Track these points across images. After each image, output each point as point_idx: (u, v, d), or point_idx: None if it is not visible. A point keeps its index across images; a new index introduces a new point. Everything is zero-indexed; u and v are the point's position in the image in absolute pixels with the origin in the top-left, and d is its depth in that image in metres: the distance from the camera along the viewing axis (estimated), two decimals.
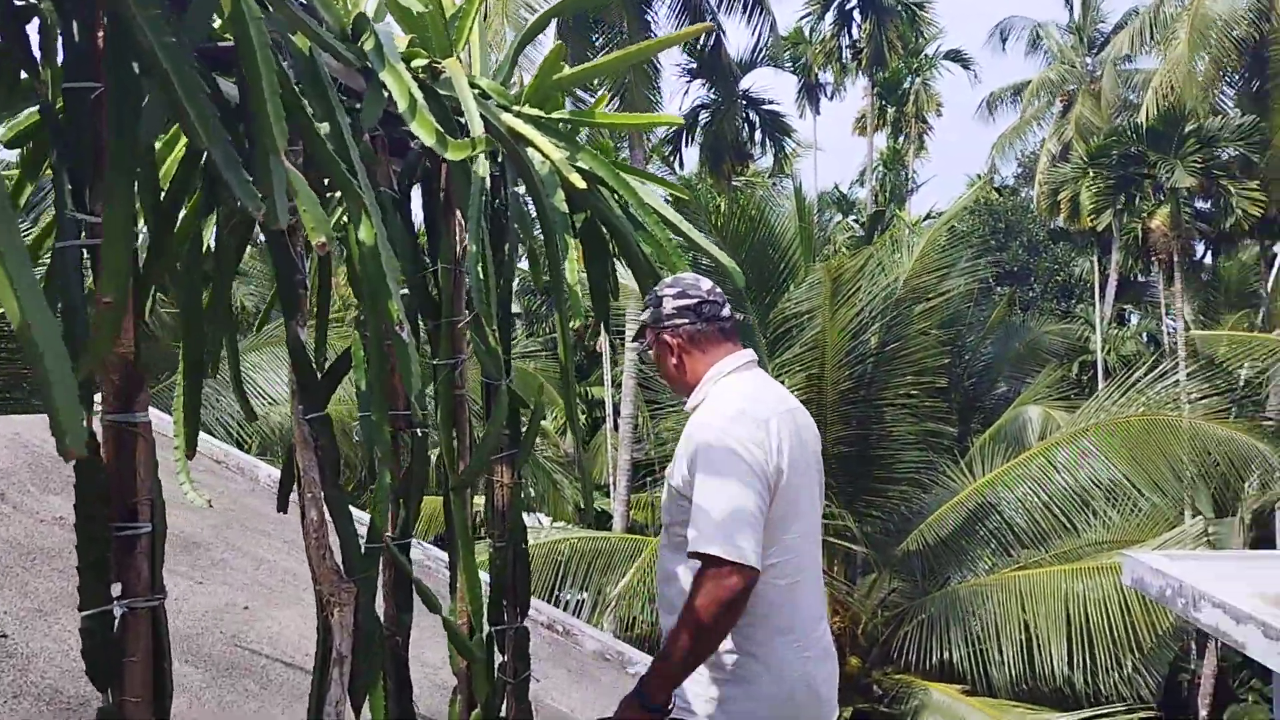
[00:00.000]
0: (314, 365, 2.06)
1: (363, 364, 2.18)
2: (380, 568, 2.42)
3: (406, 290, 2.41)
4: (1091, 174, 20.69)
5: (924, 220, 22.65)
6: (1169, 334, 23.67)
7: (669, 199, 3.28)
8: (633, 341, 2.89)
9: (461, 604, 2.83)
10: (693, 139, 19.66)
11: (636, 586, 11.06)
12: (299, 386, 2.05)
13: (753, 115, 20.36)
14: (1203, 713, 17.84)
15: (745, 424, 2.44)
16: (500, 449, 2.93)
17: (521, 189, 2.92)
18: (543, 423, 24.96)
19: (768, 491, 2.37)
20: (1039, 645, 10.13)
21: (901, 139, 31.34)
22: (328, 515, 2.05)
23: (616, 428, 19.18)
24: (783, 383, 3.32)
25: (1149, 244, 19.34)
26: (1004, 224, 29.19)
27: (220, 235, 2.25)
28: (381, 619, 2.41)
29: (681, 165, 22.84)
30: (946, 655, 10.68)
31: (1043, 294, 29.39)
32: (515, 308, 31.19)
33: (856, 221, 26.13)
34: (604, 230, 3.25)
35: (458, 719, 2.86)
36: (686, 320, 2.64)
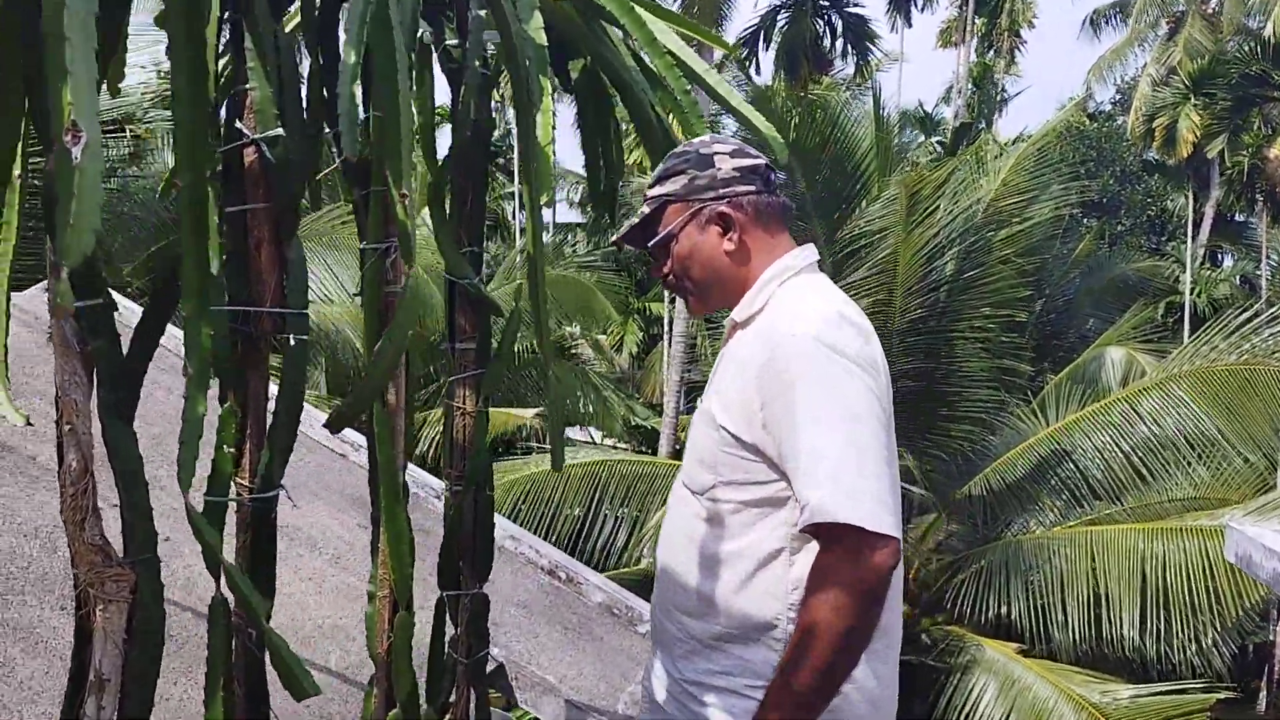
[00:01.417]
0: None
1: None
2: (238, 527, 1.71)
3: (279, 128, 1.63)
4: (1195, 100, 19.09)
5: (1011, 144, 21.28)
6: (1268, 278, 22.11)
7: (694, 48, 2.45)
8: (638, 218, 2.01)
9: (383, 571, 2.12)
10: (770, 43, 18.39)
11: None
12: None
13: (835, 19, 18.99)
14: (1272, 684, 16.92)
15: (851, 335, 1.64)
16: (448, 368, 2.20)
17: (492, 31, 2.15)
18: (600, 338, 24.39)
19: (887, 430, 1.62)
20: (1108, 608, 9.28)
21: (991, 54, 29.46)
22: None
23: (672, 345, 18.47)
24: None
25: (1264, 176, 17.76)
26: (1096, 152, 27.46)
27: None
28: (230, 602, 1.70)
29: (758, 71, 21.45)
30: (1004, 610, 9.90)
31: (1132, 228, 27.73)
32: (575, 216, 30.20)
33: (939, 143, 24.60)
34: (608, 85, 2.46)
35: (372, 717, 2.17)
36: (752, 188, 1.78)
